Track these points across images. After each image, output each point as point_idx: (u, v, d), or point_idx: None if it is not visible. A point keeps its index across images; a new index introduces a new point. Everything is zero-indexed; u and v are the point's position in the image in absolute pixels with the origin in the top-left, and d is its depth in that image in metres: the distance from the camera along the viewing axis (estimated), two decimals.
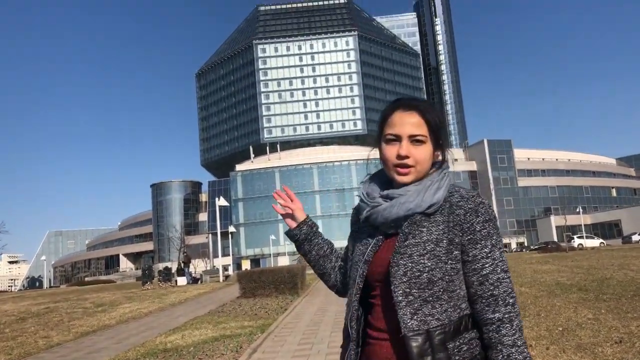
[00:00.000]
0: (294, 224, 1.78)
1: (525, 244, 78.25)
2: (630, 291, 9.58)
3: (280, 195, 1.80)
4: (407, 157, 1.42)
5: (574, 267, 16.21)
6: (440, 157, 1.50)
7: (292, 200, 1.79)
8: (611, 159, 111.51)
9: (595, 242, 54.59)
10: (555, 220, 75.85)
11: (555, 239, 66.51)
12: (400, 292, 1.35)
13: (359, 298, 1.45)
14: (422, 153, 1.43)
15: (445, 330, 1.32)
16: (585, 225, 70.35)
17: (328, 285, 1.80)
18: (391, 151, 1.45)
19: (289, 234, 1.79)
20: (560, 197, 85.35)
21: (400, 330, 1.33)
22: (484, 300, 1.36)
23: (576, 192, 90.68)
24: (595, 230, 76.66)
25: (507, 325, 1.33)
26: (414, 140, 1.43)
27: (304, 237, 1.76)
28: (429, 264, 1.35)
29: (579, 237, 54.43)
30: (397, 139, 1.44)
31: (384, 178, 1.54)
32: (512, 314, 1.34)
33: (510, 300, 1.35)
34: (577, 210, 67.18)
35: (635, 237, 58.79)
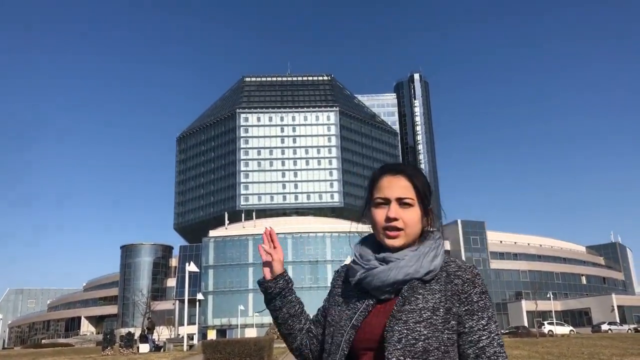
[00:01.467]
0: (269, 275, 1.69)
1: None
2: None
3: (266, 237, 1.75)
4: (395, 219, 1.43)
5: (545, 354, 16.07)
6: (429, 224, 1.51)
7: (275, 247, 1.73)
8: (581, 246, 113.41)
9: (566, 330, 54.45)
10: (526, 305, 75.86)
11: (526, 324, 66.23)
12: (394, 359, 1.31)
13: None
14: (411, 216, 1.44)
15: None
16: (555, 311, 70.44)
17: (291, 348, 1.68)
18: (380, 214, 1.46)
19: (264, 285, 1.69)
20: (532, 282, 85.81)
21: None
22: None
23: (547, 277, 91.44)
24: (566, 317, 76.68)
25: None
26: (402, 203, 1.44)
27: (278, 291, 1.67)
28: (425, 332, 1.32)
29: (549, 323, 54.40)
30: (386, 202, 1.46)
31: (374, 243, 1.53)
32: None
33: None
34: (548, 295, 67.47)
35: (604, 327, 58.93)
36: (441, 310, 1.36)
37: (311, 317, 1.72)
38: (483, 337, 1.35)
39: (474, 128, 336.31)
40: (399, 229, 1.44)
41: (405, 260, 1.42)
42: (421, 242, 1.48)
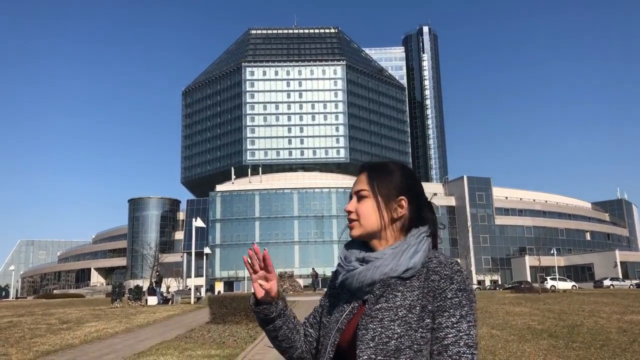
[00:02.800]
0: (264, 296, 1.51)
1: (499, 282, 78.66)
2: (599, 340, 9.62)
3: (254, 257, 1.51)
4: (350, 212, 1.50)
5: (546, 311, 16.27)
6: (402, 212, 1.47)
7: (269, 272, 1.50)
8: (586, 202, 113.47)
9: (568, 285, 55.05)
10: (529, 261, 76.54)
11: (529, 279, 67.00)
12: (366, 357, 1.29)
13: None
14: (364, 207, 1.47)
15: None
16: (558, 267, 71.10)
17: (292, 357, 1.58)
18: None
19: (261, 308, 1.52)
20: (536, 238, 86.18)
21: None
22: None
23: (551, 233, 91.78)
24: (569, 272, 77.47)
25: None
26: (359, 196, 1.50)
27: (279, 313, 1.53)
28: (399, 331, 1.30)
29: (552, 279, 54.91)
30: (352, 197, 1.54)
31: (362, 243, 1.53)
32: None
33: None
34: (552, 251, 67.90)
35: (606, 282, 59.53)
36: (417, 308, 1.32)
37: (305, 321, 1.65)
38: (449, 335, 1.30)
39: (482, 84, 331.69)
40: (352, 220, 1.49)
41: (382, 259, 1.40)
42: (405, 238, 1.46)
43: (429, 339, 1.31)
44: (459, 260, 1.40)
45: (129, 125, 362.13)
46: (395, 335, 1.29)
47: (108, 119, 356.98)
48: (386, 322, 1.31)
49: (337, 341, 1.40)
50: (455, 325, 1.30)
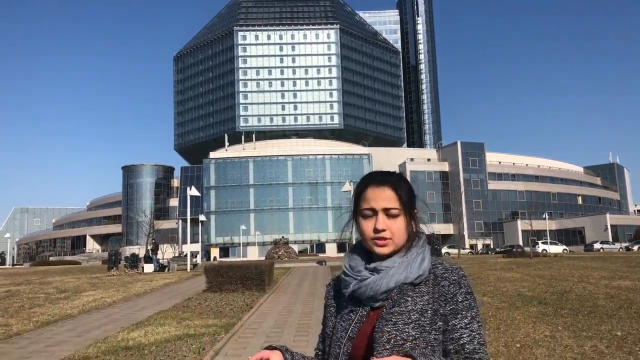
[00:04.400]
0: None
1: (492, 246, 79.63)
2: (587, 307, 9.86)
3: None
4: (383, 230, 1.48)
5: (537, 277, 16.58)
6: (414, 229, 1.54)
7: None
8: (579, 167, 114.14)
9: (559, 249, 55.84)
10: (521, 225, 77.34)
11: (521, 243, 67.87)
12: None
13: None
14: (397, 226, 1.49)
15: None
16: (550, 230, 71.96)
17: None
18: (368, 225, 1.51)
19: None
20: (528, 202, 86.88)
21: None
22: None
23: (544, 197, 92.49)
24: (560, 236, 78.48)
25: None
26: (389, 213, 1.49)
27: None
28: (413, 333, 1.39)
29: (543, 243, 55.69)
30: (373, 213, 1.50)
31: (363, 250, 1.56)
32: None
33: None
34: (544, 216, 68.55)
35: (596, 245, 60.43)
36: (429, 312, 1.43)
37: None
38: (464, 335, 1.42)
39: (478, 49, 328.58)
40: (386, 239, 1.49)
41: (394, 269, 1.47)
42: (408, 248, 1.52)
43: (440, 341, 1.42)
44: (461, 267, 1.50)
45: (122, 91, 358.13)
46: (410, 338, 1.39)
47: (100, 84, 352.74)
48: (400, 326, 1.40)
49: (349, 350, 1.45)
50: (468, 326, 1.43)
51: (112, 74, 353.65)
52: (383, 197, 1.50)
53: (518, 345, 6.75)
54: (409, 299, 1.45)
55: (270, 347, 1.51)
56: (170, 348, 7.20)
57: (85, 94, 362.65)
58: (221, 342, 7.67)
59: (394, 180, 1.53)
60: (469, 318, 1.44)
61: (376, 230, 1.48)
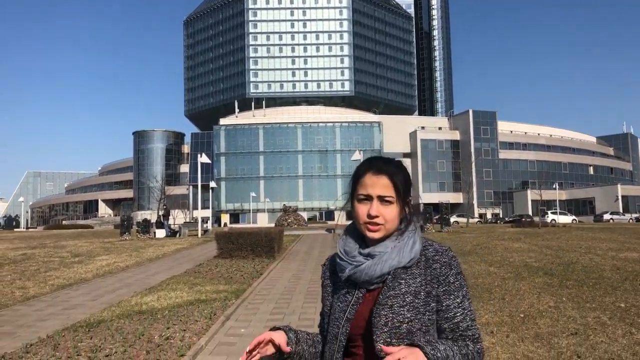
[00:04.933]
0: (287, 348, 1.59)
1: (501, 216, 79.65)
2: (592, 278, 9.96)
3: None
4: (377, 216, 1.54)
5: (544, 247, 16.68)
6: (407, 214, 1.61)
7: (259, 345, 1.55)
8: (591, 137, 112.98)
9: (568, 219, 55.83)
10: (531, 194, 77.09)
11: (530, 213, 67.82)
12: (382, 342, 1.46)
13: (342, 355, 1.54)
14: (390, 213, 1.55)
15: None
16: (560, 200, 71.72)
17: None
18: (363, 210, 1.56)
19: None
20: (539, 172, 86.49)
21: None
22: (456, 341, 1.51)
23: (555, 167, 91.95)
24: (570, 206, 78.19)
25: (472, 350, 1.49)
26: (383, 200, 1.55)
27: (296, 340, 1.63)
28: (409, 315, 1.48)
29: (552, 213, 55.61)
30: (368, 198, 1.55)
31: (357, 233, 1.63)
32: (477, 349, 1.51)
33: (478, 346, 1.52)
34: (554, 186, 68.23)
35: (606, 216, 60.28)
36: (422, 293, 1.51)
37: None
38: (458, 314, 1.52)
39: (491, 14, 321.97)
40: (379, 224, 1.55)
41: (387, 254, 1.54)
42: (401, 233, 1.59)
43: (434, 320, 1.52)
44: (450, 247, 1.60)
45: (133, 56, 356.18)
46: (406, 320, 1.48)
47: (111, 48, 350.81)
48: (396, 309, 1.49)
49: (348, 330, 1.54)
50: (460, 305, 1.52)
51: (122, 39, 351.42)
52: (380, 185, 1.55)
53: (522, 316, 6.88)
54: (403, 282, 1.52)
55: (274, 328, 1.60)
56: (182, 313, 7.40)
57: (97, 59, 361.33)
58: (232, 307, 7.87)
59: (391, 169, 1.59)
60: (461, 297, 1.53)
61: (370, 216, 1.54)
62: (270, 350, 1.55)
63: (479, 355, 1.52)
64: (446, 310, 1.53)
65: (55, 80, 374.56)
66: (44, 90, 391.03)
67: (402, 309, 1.49)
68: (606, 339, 5.63)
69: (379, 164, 1.61)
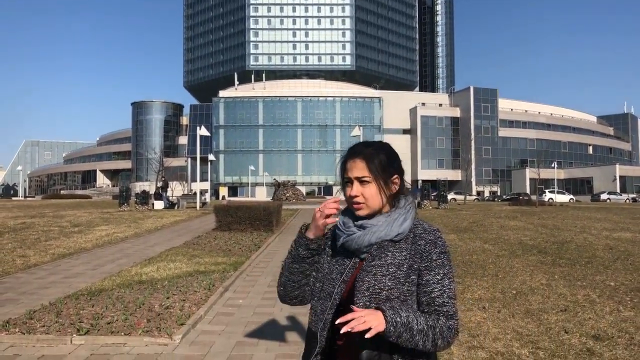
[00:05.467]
0: (319, 233, 1.79)
1: (498, 194, 79.97)
2: (585, 257, 10.13)
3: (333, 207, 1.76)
4: (356, 196, 1.72)
5: (540, 226, 16.86)
6: (396, 188, 1.77)
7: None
8: (592, 116, 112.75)
9: (565, 198, 56.06)
10: (529, 173, 77.29)
11: (528, 191, 68.08)
12: (362, 304, 1.63)
13: (334, 312, 1.70)
14: (369, 191, 1.72)
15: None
16: (558, 179, 71.95)
17: (286, 293, 1.87)
18: (347, 191, 1.76)
19: (307, 239, 1.79)
20: (538, 151, 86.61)
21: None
22: (429, 315, 1.64)
23: (554, 146, 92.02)
24: (568, 185, 78.53)
25: (442, 324, 1.60)
26: (361, 181, 1.73)
27: (317, 249, 1.82)
28: (389, 284, 1.64)
29: (550, 192, 55.84)
30: (350, 181, 1.75)
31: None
32: (448, 325, 1.61)
33: (451, 322, 1.63)
34: (552, 165, 68.36)
35: (603, 196, 60.59)
36: (405, 266, 1.66)
37: None
38: (436, 290, 1.65)
39: None
40: (360, 203, 1.73)
41: (377, 226, 1.70)
42: (394, 208, 1.76)
43: (413, 292, 1.67)
44: (439, 228, 1.78)
45: (133, 26, 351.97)
46: (386, 287, 1.64)
47: (111, 18, 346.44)
48: (379, 277, 1.65)
49: (342, 291, 1.71)
50: (440, 281, 1.65)
51: (122, 8, 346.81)
52: (356, 168, 1.73)
53: (514, 292, 7.04)
54: (389, 254, 1.67)
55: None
56: (181, 283, 7.55)
57: (96, 28, 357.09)
58: (230, 279, 8.02)
59: (368, 150, 1.76)
60: (441, 275, 1.66)
61: (351, 197, 1.74)
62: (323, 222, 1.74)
63: (449, 331, 1.62)
64: (425, 284, 1.66)
65: (54, 49, 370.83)
66: (43, 60, 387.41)
67: (384, 277, 1.64)
68: (594, 315, 5.79)
69: (358, 147, 1.79)
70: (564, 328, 5.32)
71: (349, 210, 1.81)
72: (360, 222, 1.74)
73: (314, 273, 1.84)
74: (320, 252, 1.82)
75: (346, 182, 1.77)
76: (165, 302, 6.36)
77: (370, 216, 1.75)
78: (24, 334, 5.16)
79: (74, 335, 5.12)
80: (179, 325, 5.45)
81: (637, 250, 11.18)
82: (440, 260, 1.67)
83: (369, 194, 1.73)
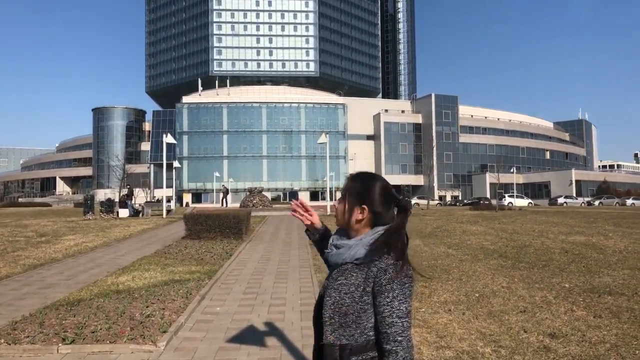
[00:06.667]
0: (308, 223, 2.40)
1: (460, 198, 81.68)
2: (542, 261, 10.73)
3: (297, 207, 2.38)
4: (333, 205, 2.36)
5: (500, 231, 17.55)
6: (364, 215, 2.07)
7: (311, 215, 2.38)
8: (549, 122, 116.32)
9: (524, 202, 57.79)
10: (489, 178, 79.26)
11: (488, 196, 69.84)
12: (328, 315, 1.99)
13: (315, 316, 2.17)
14: (340, 207, 2.15)
15: (352, 347, 1.94)
16: (517, 184, 74.01)
17: None
18: None
19: (309, 232, 2.44)
20: (498, 156, 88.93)
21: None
22: (380, 335, 1.92)
23: (513, 152, 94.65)
24: (527, 189, 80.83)
25: (393, 355, 1.87)
26: (342, 196, 2.15)
27: (321, 236, 2.39)
28: (348, 301, 1.95)
29: (509, 196, 57.49)
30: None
31: (344, 230, 2.21)
32: (398, 348, 1.88)
33: (399, 338, 1.88)
34: (512, 169, 70.33)
35: (560, 200, 62.65)
36: (360, 287, 1.95)
37: None
38: (386, 310, 1.90)
39: (456, 0, 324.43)
40: (335, 215, 2.20)
41: (345, 248, 2.05)
42: (367, 234, 2.06)
43: (366, 310, 1.95)
44: (393, 255, 2.15)
45: (93, 30, 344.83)
46: (345, 303, 1.96)
47: (71, 21, 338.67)
48: (342, 294, 1.98)
49: (321, 300, 2.09)
50: (389, 303, 1.91)
51: (82, 13, 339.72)
52: (344, 186, 2.17)
53: (477, 295, 7.50)
54: (353, 274, 1.98)
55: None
56: (159, 292, 7.72)
57: (55, 31, 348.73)
58: (206, 287, 8.23)
59: (352, 176, 2.17)
60: (390, 298, 1.90)
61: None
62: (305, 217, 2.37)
63: (403, 351, 1.88)
64: (378, 305, 1.92)
65: (10, 52, 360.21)
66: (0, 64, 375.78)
67: (345, 295, 1.96)
68: (550, 315, 6.28)
69: (355, 173, 2.19)
70: (523, 327, 5.77)
71: (341, 228, 2.20)
72: (337, 242, 2.12)
73: None
74: (325, 236, 2.34)
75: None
76: (146, 311, 6.55)
77: (347, 235, 2.12)
78: (9, 344, 5.30)
79: (60, 344, 5.29)
80: (162, 333, 5.67)
81: (590, 253, 11.87)
82: (389, 286, 1.91)
83: (340, 209, 2.14)
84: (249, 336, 5.70)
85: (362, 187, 2.09)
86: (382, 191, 2.09)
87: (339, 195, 2.24)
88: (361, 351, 1.94)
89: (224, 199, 47.25)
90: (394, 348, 1.88)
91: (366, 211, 2.06)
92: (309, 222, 2.37)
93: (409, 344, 1.90)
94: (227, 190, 50.37)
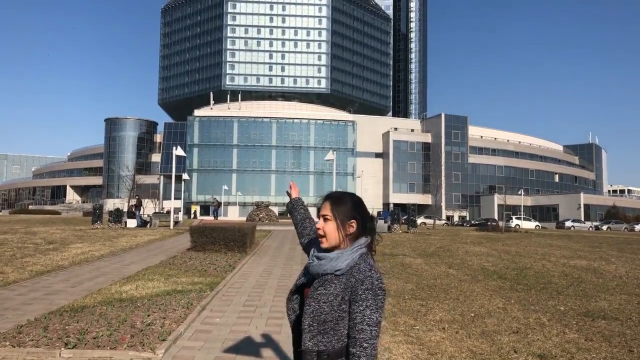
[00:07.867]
0: (295, 195, 2.88)
1: (467, 219, 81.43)
2: (541, 283, 10.81)
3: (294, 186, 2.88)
4: (319, 229, 2.27)
5: (503, 252, 17.60)
6: (352, 230, 2.24)
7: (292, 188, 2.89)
8: (558, 145, 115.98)
9: (532, 225, 57.51)
10: (497, 199, 79.02)
11: (496, 217, 69.55)
12: (307, 323, 2.13)
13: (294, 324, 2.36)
14: (328, 227, 2.25)
15: (329, 353, 2.09)
16: (525, 206, 73.72)
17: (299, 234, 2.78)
18: (317, 226, 2.30)
19: (292, 201, 2.88)
20: (506, 177, 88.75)
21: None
22: (350, 339, 2.08)
23: (522, 174, 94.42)
24: (535, 212, 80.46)
25: (356, 359, 2.04)
26: (325, 218, 2.26)
27: (298, 203, 2.84)
28: (326, 309, 2.10)
29: (517, 218, 57.24)
30: (319, 218, 2.29)
31: None
32: (362, 353, 2.03)
33: (365, 345, 2.03)
34: (520, 192, 70.09)
35: (568, 223, 62.31)
36: (339, 297, 2.10)
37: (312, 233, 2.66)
38: (357, 318, 2.06)
39: (468, 20, 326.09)
40: (322, 236, 2.26)
41: (326, 260, 2.19)
42: (348, 247, 2.23)
43: (343, 318, 2.10)
44: (374, 268, 2.33)
45: (108, 42, 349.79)
46: (324, 312, 2.10)
47: (86, 34, 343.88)
48: (321, 303, 2.12)
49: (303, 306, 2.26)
50: (361, 312, 2.06)
51: (98, 24, 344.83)
52: (324, 207, 2.28)
53: (472, 315, 7.62)
54: (332, 285, 2.13)
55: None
56: (160, 302, 7.91)
57: (71, 42, 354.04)
58: (207, 298, 8.41)
59: (335, 195, 2.33)
60: (364, 307, 2.04)
61: (317, 229, 2.28)
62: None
63: (366, 356, 2.03)
64: (352, 312, 2.07)
65: (27, 62, 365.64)
66: (15, 72, 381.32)
67: (324, 304, 2.10)
68: (542, 337, 6.39)
69: (330, 194, 2.36)
70: (513, 348, 5.89)
71: (318, 242, 2.36)
72: (317, 255, 2.25)
73: None
74: (293, 210, 2.82)
75: (319, 218, 2.29)
76: (147, 319, 6.74)
77: (330, 249, 2.24)
78: (14, 347, 5.51)
79: (62, 348, 5.49)
80: (161, 341, 5.85)
81: (589, 277, 11.93)
82: (364, 295, 2.06)
83: (328, 229, 2.24)
84: (245, 347, 5.87)
85: (350, 203, 2.27)
86: (362, 204, 2.32)
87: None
88: (338, 356, 2.10)
89: (216, 212, 49.17)
90: (359, 352, 2.04)
91: (355, 224, 2.23)
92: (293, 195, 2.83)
93: (374, 352, 2.04)
94: (220, 203, 52.09)
